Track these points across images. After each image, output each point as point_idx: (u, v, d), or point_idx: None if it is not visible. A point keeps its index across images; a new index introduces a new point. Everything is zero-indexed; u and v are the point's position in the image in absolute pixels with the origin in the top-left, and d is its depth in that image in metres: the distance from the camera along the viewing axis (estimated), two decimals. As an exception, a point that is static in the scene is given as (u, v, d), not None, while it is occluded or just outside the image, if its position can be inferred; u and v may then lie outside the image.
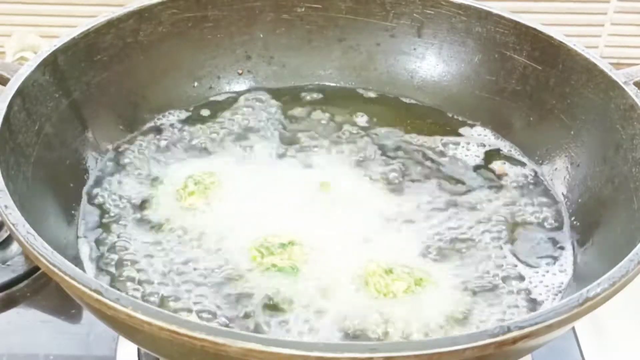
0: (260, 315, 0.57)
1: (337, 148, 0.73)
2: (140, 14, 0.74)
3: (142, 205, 0.66)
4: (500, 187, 0.69)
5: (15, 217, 0.51)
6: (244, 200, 0.66)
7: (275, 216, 0.65)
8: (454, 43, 0.78)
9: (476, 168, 0.72)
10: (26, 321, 0.68)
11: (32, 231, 0.50)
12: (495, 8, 0.76)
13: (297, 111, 0.78)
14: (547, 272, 0.62)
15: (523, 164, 0.72)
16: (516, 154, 0.74)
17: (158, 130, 0.74)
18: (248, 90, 0.80)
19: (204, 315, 0.57)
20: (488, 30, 0.76)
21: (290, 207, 0.66)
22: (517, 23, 0.74)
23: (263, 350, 0.42)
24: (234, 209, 0.65)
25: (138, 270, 0.60)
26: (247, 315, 0.57)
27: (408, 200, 0.67)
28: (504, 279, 0.61)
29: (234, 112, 0.77)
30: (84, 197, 0.66)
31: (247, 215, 0.65)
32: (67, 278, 0.47)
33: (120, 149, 0.71)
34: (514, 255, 0.63)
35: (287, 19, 0.80)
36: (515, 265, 0.62)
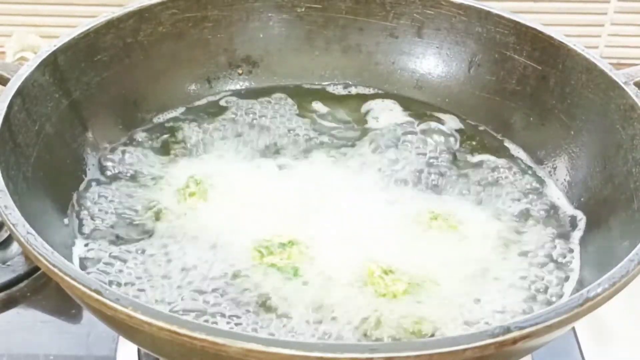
0: (260, 316, 0.56)
1: (337, 148, 0.73)
2: (140, 14, 0.74)
3: (142, 205, 0.66)
4: (497, 187, 0.69)
5: (15, 217, 0.51)
6: (244, 200, 0.66)
7: (275, 216, 0.65)
8: (454, 43, 0.78)
9: (479, 167, 0.72)
10: (26, 321, 0.68)
11: (32, 231, 0.50)
12: (495, 8, 0.76)
13: (298, 111, 0.77)
14: (547, 271, 0.62)
15: (523, 164, 0.72)
16: (517, 154, 0.74)
17: (158, 130, 0.74)
18: (248, 90, 0.80)
19: (204, 315, 0.57)
20: (488, 30, 0.76)
21: (290, 207, 0.66)
22: (517, 23, 0.74)
23: (263, 350, 0.42)
24: (234, 209, 0.65)
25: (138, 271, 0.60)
26: (247, 316, 0.57)
27: (411, 198, 0.67)
28: (504, 278, 0.61)
29: (233, 112, 0.77)
30: (84, 197, 0.66)
31: (247, 215, 0.65)
32: (67, 278, 0.47)
33: (120, 149, 0.71)
34: (514, 254, 0.63)
35: (287, 19, 0.80)
36: (516, 265, 0.62)
